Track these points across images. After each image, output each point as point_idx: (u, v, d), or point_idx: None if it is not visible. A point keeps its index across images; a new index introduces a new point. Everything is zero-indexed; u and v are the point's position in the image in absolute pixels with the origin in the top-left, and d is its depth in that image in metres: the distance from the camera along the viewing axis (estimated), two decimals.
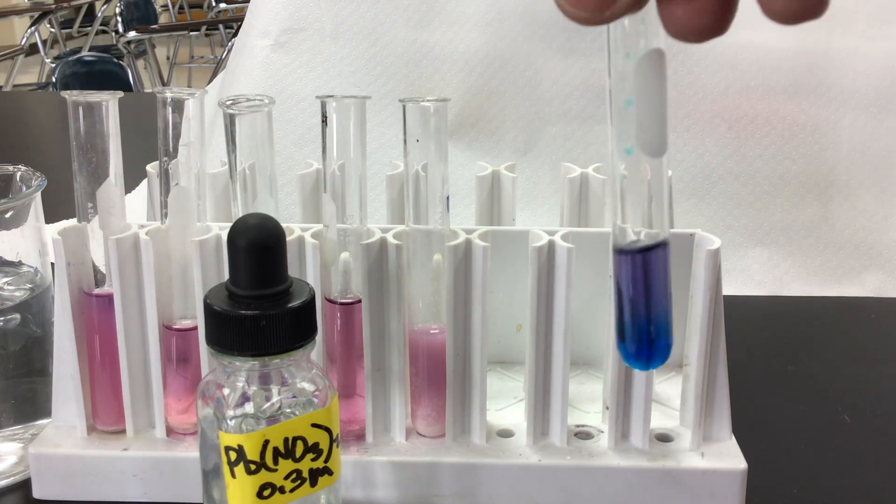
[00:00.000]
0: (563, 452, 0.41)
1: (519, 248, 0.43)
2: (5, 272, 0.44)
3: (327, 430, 0.33)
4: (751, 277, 0.67)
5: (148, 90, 2.91)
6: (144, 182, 0.63)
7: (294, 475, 0.32)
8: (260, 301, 0.31)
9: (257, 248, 0.31)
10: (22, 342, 0.43)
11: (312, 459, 0.32)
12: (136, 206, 0.59)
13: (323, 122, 0.38)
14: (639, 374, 0.40)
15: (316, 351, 0.37)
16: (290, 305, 0.31)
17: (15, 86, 2.90)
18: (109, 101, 0.39)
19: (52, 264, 0.41)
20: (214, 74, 2.09)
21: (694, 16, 0.23)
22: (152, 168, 0.49)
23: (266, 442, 0.31)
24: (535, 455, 0.41)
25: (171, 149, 0.39)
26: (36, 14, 3.34)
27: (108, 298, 0.41)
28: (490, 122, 0.69)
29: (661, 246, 0.27)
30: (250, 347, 0.31)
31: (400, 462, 0.41)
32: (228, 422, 0.32)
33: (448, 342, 0.40)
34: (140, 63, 3.28)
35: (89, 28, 3.64)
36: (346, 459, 0.40)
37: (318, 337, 0.34)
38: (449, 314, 0.40)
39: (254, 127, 0.38)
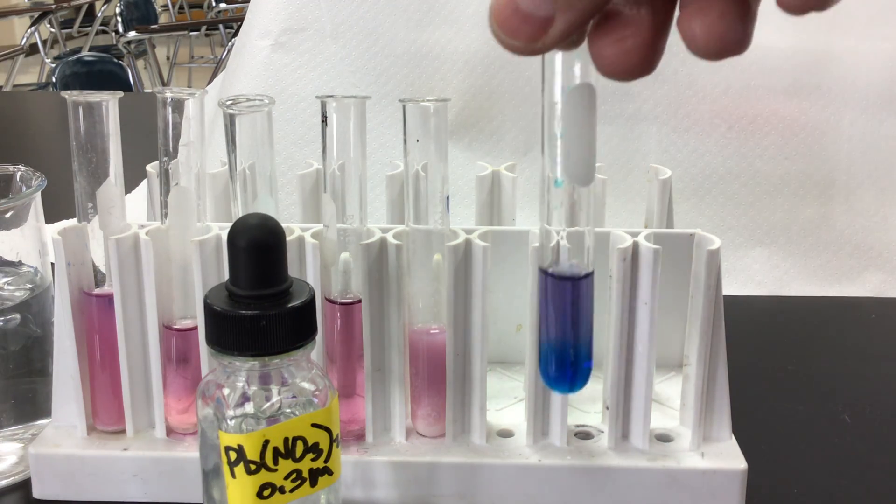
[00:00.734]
0: (563, 452, 0.41)
1: (519, 248, 0.43)
2: (5, 272, 0.44)
3: (327, 430, 0.33)
4: (751, 277, 0.67)
5: (148, 90, 2.90)
6: (144, 182, 0.63)
7: (294, 475, 0.32)
8: (260, 301, 0.31)
9: (257, 248, 0.31)
10: (22, 342, 0.43)
11: (312, 459, 0.32)
12: (136, 206, 0.59)
13: (323, 122, 0.38)
14: (639, 374, 0.40)
15: (316, 351, 0.37)
16: (290, 305, 0.31)
17: (15, 86, 2.90)
18: (109, 101, 0.39)
19: (52, 264, 0.41)
20: (214, 74, 2.09)
21: (622, 56, 0.23)
22: (152, 168, 0.49)
23: (266, 442, 0.31)
24: (535, 455, 0.41)
25: (171, 149, 0.39)
26: (36, 14, 3.34)
27: (108, 298, 0.41)
28: (490, 122, 0.69)
29: (589, 276, 0.28)
30: (250, 347, 0.31)
31: (400, 462, 0.41)
32: (228, 422, 0.32)
33: (448, 342, 0.40)
34: (140, 63, 3.28)
35: (89, 28, 3.64)
36: (346, 459, 0.40)
37: (318, 337, 0.34)
38: (449, 314, 0.40)
39: (254, 127, 0.38)
